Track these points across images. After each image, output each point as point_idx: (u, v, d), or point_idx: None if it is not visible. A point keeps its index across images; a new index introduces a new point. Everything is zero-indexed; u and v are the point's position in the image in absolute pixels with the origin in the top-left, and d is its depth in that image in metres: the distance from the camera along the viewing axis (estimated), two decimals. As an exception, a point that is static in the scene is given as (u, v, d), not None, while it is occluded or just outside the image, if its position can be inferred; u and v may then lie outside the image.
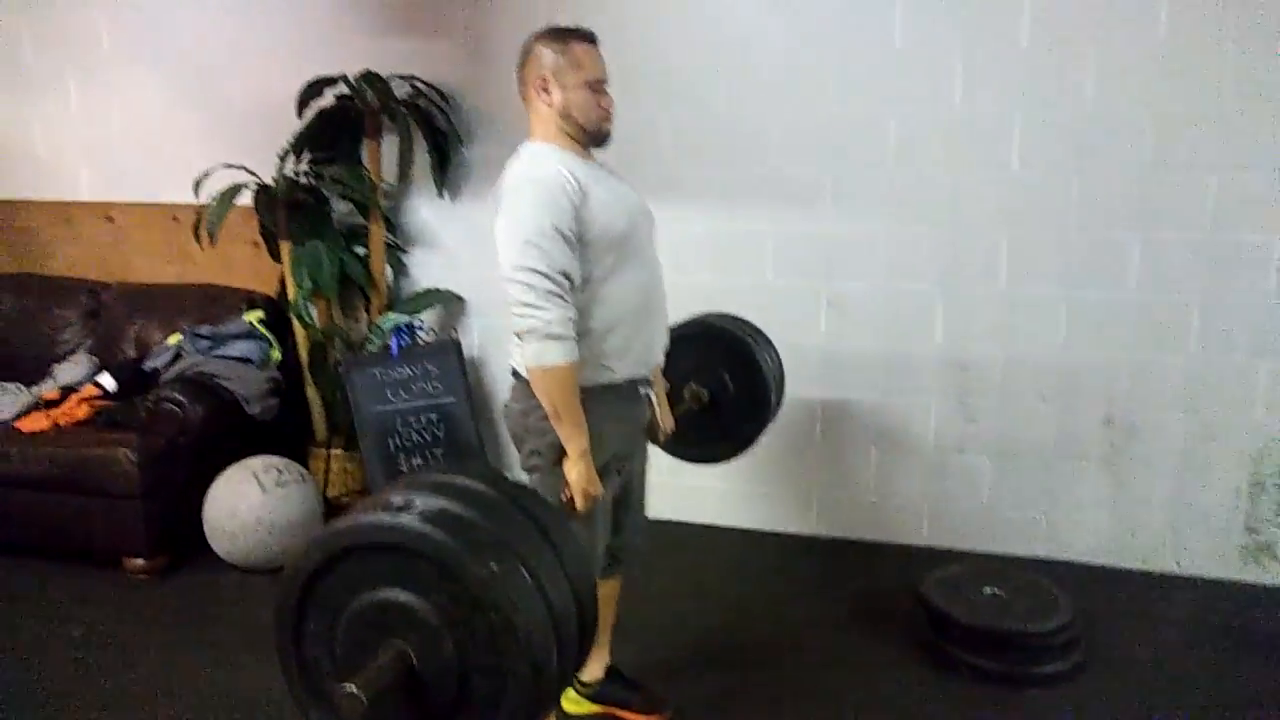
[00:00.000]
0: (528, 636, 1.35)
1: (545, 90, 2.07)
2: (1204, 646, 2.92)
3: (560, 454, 2.06)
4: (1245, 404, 3.21)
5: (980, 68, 3.23)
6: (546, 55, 2.07)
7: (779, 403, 2.95)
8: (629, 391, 2.18)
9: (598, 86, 2.09)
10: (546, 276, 1.93)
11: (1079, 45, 3.13)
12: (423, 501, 1.41)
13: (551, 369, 1.95)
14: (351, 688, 1.29)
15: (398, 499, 1.43)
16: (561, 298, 1.95)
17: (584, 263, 2.02)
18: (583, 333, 2.03)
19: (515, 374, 2.15)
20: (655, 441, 2.46)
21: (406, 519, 1.37)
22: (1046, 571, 3.11)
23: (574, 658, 1.50)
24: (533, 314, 1.93)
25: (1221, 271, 3.15)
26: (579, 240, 1.99)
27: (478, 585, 1.34)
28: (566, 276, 1.96)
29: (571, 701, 2.58)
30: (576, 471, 2.03)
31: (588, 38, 2.12)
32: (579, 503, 2.03)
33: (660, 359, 2.29)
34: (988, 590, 2.85)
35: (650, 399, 2.30)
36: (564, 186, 1.97)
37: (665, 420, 2.45)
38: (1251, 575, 3.29)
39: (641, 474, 2.43)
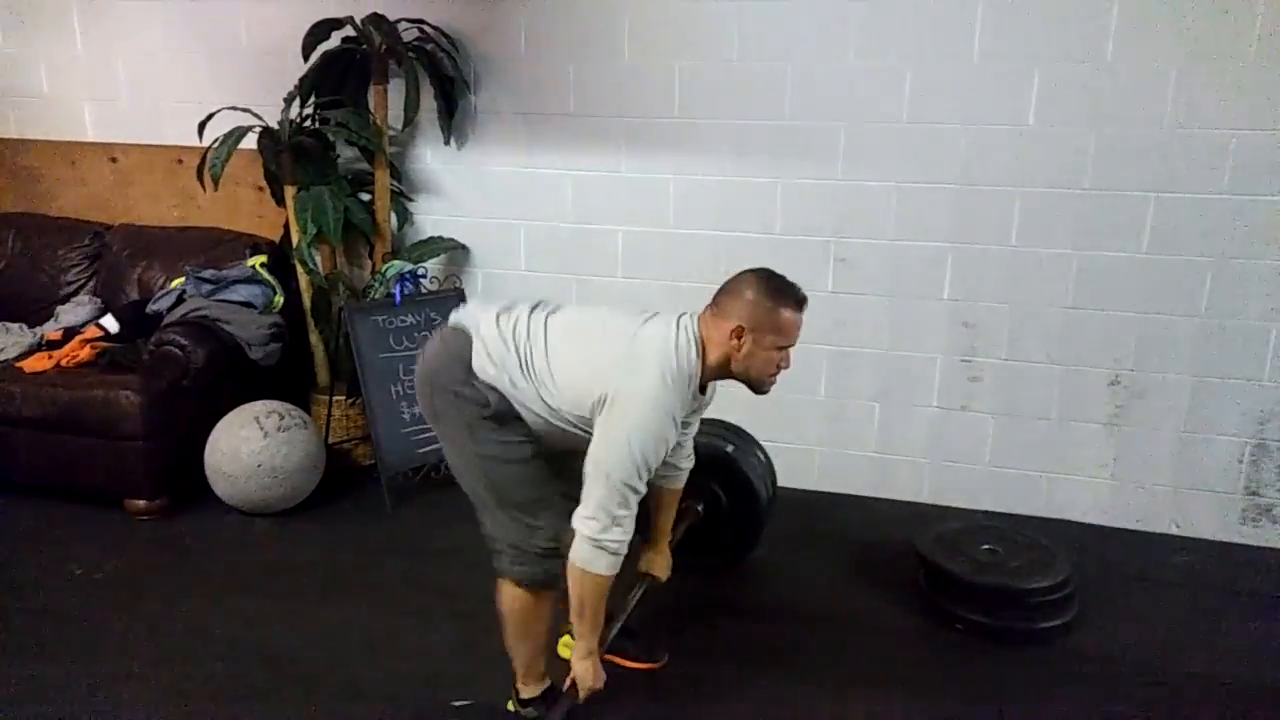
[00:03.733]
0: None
1: (738, 336, 2.06)
2: (1199, 605, 2.93)
3: (496, 417, 2.10)
4: (1253, 368, 3.19)
5: (999, 21, 3.17)
6: (757, 308, 2.05)
7: (773, 499, 3.10)
8: None
9: (785, 349, 2.10)
10: (637, 496, 2.01)
11: (1101, 0, 3.07)
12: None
13: (595, 576, 2.02)
14: None
15: None
16: (633, 518, 2.03)
17: None
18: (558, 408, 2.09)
19: (461, 330, 2.16)
20: (656, 584, 2.54)
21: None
22: (1045, 530, 3.12)
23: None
24: (607, 525, 1.99)
25: (1236, 234, 3.11)
26: None
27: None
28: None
29: (568, 647, 2.59)
30: (582, 668, 2.11)
31: (800, 303, 2.10)
32: (580, 694, 2.11)
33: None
34: (985, 547, 2.86)
35: None
36: (679, 425, 2.05)
37: (663, 570, 2.54)
38: (1250, 538, 3.29)
39: None
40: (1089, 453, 3.40)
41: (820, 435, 3.68)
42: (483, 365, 2.11)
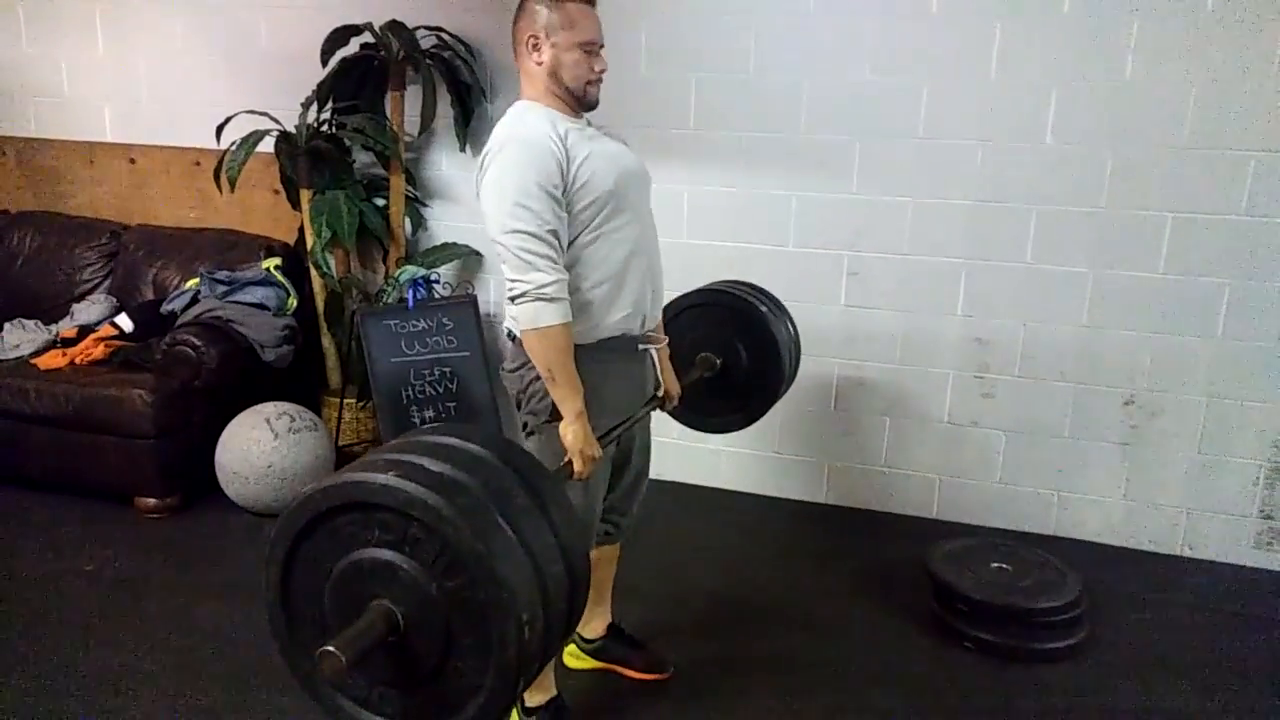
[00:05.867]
0: (515, 605, 1.32)
1: (535, 49, 2.01)
2: (1211, 629, 2.90)
3: (557, 416, 2.03)
4: (1269, 390, 3.16)
5: (1018, 37, 3.16)
6: (540, 12, 2.00)
7: (793, 375, 2.90)
8: (625, 347, 2.14)
9: (591, 48, 2.03)
10: (537, 238, 1.90)
11: (1121, 17, 3.05)
12: (419, 463, 1.38)
13: (545, 330, 1.92)
14: (331, 647, 1.27)
15: (393, 458, 1.40)
16: (553, 259, 1.92)
17: (571, 222, 1.99)
18: (573, 290, 2.00)
19: (510, 336, 2.13)
20: (662, 408, 2.43)
21: (400, 480, 1.33)
22: (1056, 549, 3.09)
23: (562, 627, 1.48)
24: (525, 277, 1.90)
25: (1254, 255, 3.08)
26: (566, 199, 1.96)
27: (468, 553, 1.31)
28: (556, 236, 1.93)
29: (574, 657, 2.59)
30: (572, 433, 1.97)
31: None
32: (576, 465, 1.98)
33: (657, 317, 2.25)
34: (995, 565, 2.84)
35: (651, 358, 2.28)
36: (549, 145, 1.94)
37: (671, 385, 2.43)
38: (1263, 561, 3.25)
39: (644, 442, 2.40)
40: (1102, 472, 3.38)
41: (831, 449, 3.66)
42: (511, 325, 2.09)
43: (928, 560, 2.88)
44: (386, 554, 1.35)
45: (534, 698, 2.29)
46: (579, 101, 2.06)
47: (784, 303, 2.86)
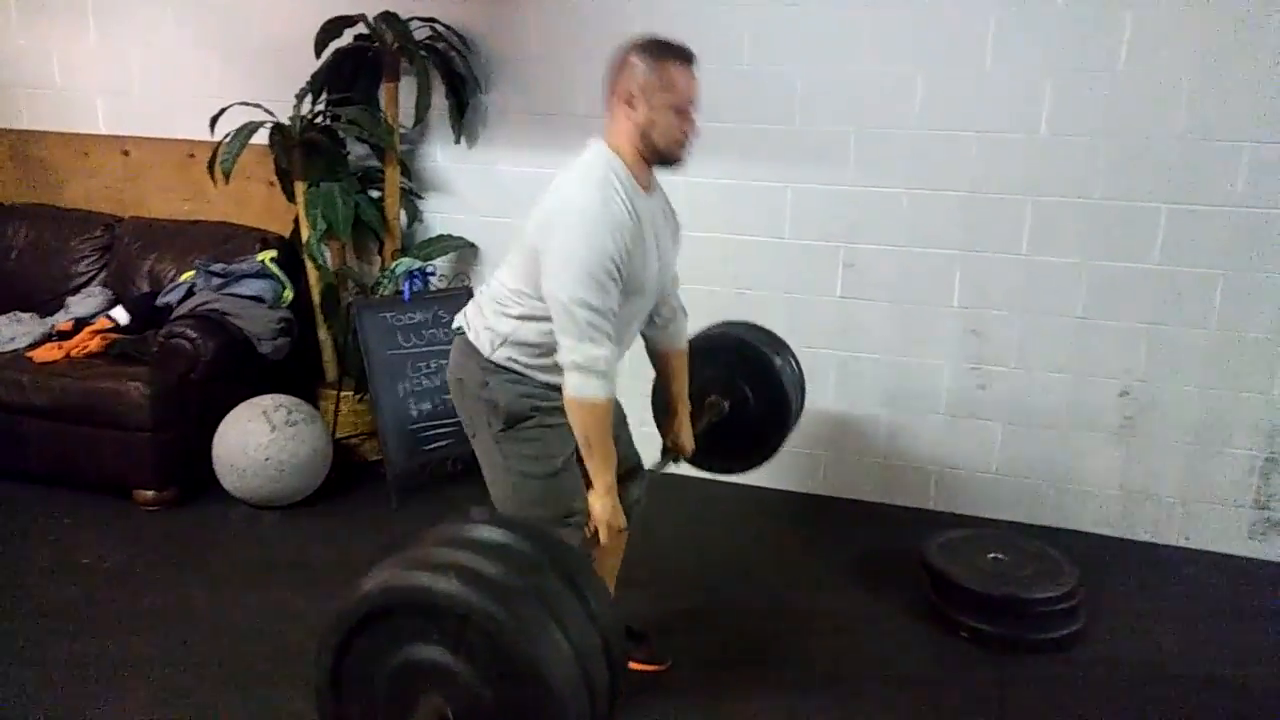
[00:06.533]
0: (562, 696, 1.37)
1: (630, 105, 2.01)
2: (1207, 619, 2.91)
3: (508, 421, 2.08)
4: (1264, 381, 3.17)
5: (1014, 29, 3.15)
6: (639, 70, 1.99)
7: (799, 411, 2.94)
8: None
9: (685, 110, 2.03)
10: (600, 313, 1.93)
11: (1115, 7, 3.05)
12: (475, 567, 1.42)
13: (591, 403, 1.96)
14: None
15: (451, 560, 1.43)
16: (610, 335, 1.96)
17: None
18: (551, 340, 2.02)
19: (459, 330, 2.17)
20: (675, 461, 2.50)
21: (462, 587, 1.37)
22: (1052, 540, 3.10)
23: (606, 708, 1.52)
24: (582, 348, 1.93)
25: (1249, 246, 3.09)
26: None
27: (524, 662, 1.35)
28: (613, 314, 1.97)
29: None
30: (601, 505, 2.04)
31: (685, 58, 2.03)
32: (602, 536, 2.04)
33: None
34: (991, 555, 2.85)
35: None
36: (628, 227, 1.97)
37: (687, 442, 2.48)
38: (1259, 552, 3.27)
39: (623, 436, 2.40)
40: (1098, 463, 3.38)
41: (827, 440, 3.67)
42: (479, 337, 2.11)
43: (924, 551, 2.89)
44: (442, 655, 1.40)
45: None
46: (665, 159, 2.06)
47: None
